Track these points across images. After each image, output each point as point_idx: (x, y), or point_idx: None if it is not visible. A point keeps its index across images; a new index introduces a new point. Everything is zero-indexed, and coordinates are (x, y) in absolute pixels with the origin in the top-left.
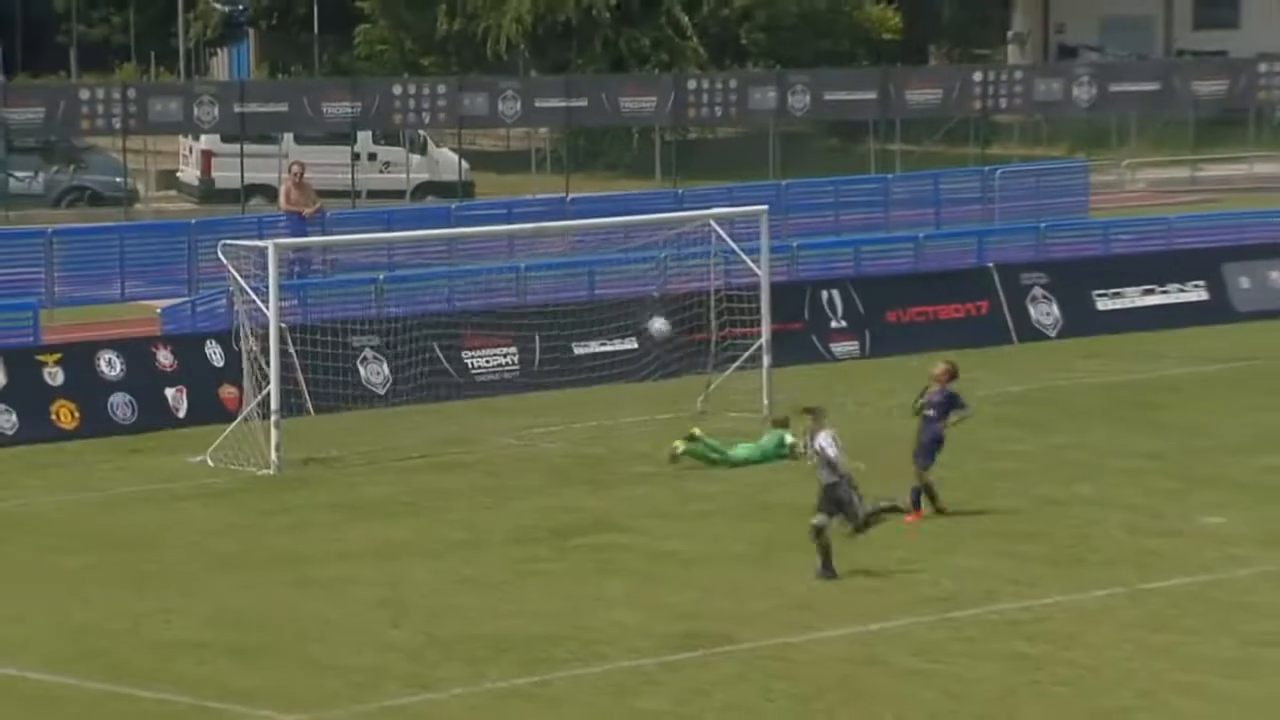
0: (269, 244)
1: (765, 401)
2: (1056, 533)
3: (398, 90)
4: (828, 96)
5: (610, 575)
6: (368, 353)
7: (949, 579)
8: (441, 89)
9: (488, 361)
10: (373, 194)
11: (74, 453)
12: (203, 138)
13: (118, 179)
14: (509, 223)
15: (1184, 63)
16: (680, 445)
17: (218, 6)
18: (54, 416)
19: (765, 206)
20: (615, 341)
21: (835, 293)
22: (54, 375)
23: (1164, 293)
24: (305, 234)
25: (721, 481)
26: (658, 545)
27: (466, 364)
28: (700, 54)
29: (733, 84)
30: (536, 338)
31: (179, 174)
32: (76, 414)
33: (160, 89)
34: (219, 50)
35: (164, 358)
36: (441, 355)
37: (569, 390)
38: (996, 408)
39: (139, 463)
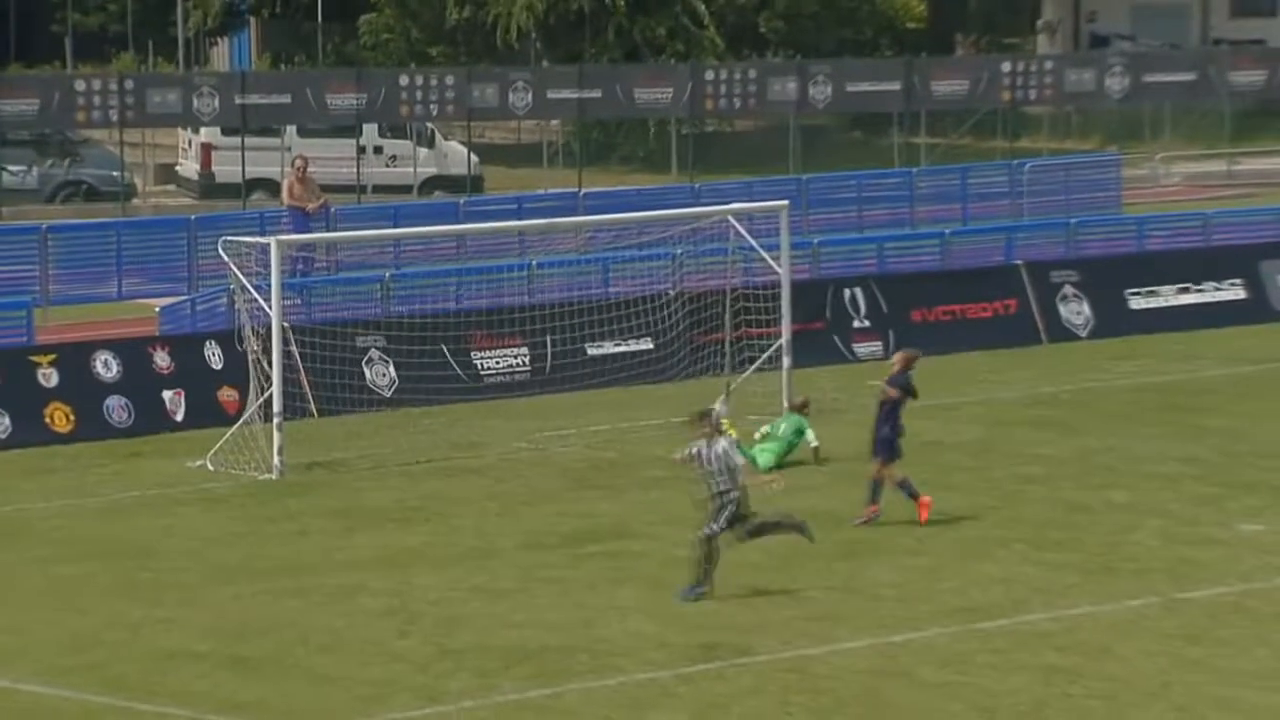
0: (271, 240)
1: (785, 406)
2: (1088, 540)
3: (404, 81)
4: (850, 88)
5: (625, 584)
6: (373, 353)
7: (976, 588)
8: (450, 80)
9: (498, 363)
10: (378, 189)
11: (69, 457)
12: (203, 130)
13: (114, 173)
14: (520, 218)
15: (1220, 52)
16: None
17: None
18: (48, 419)
19: (785, 202)
20: (630, 342)
21: (858, 291)
22: (48, 377)
23: (1200, 291)
24: (309, 230)
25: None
26: (674, 553)
27: (476, 365)
28: (718, 43)
29: (752, 74)
30: (548, 338)
31: (178, 168)
32: (71, 417)
33: (159, 80)
34: (219, 39)
35: (161, 359)
36: (450, 356)
37: (582, 392)
38: (1026, 410)
39: (137, 467)
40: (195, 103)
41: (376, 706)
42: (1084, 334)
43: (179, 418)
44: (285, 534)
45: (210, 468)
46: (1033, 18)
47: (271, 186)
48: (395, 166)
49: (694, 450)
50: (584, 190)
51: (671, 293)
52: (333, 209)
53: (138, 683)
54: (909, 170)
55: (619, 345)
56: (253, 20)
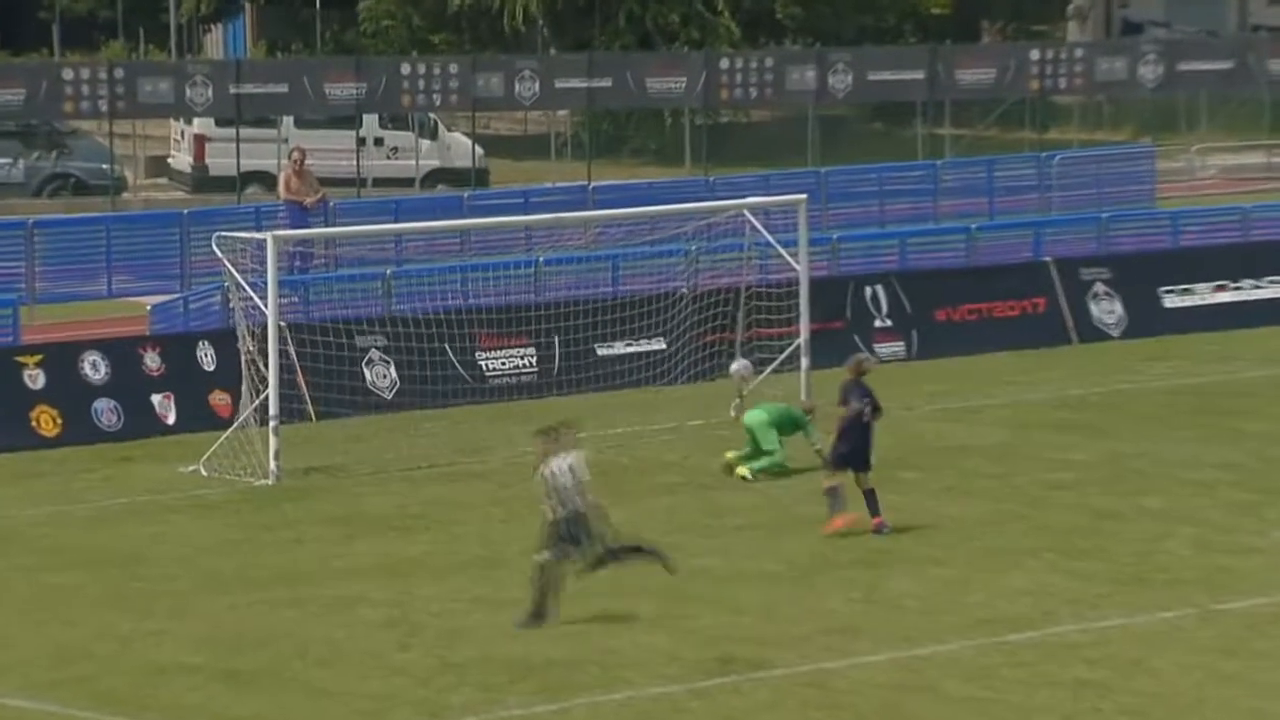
0: (267, 236)
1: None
2: (1119, 549)
3: (406, 70)
4: (871, 76)
5: (636, 595)
6: (374, 354)
7: (1002, 599)
8: (453, 68)
9: (503, 363)
10: (379, 182)
11: (56, 462)
12: (196, 121)
13: (104, 166)
14: (526, 213)
15: (1259, 39)
16: (746, 471)
17: None
18: (34, 423)
19: (804, 195)
20: (641, 342)
21: (879, 289)
22: (35, 378)
23: (1237, 289)
24: (306, 225)
25: (756, 494)
26: (687, 562)
27: (480, 366)
28: (733, 30)
29: (768, 63)
30: (556, 338)
31: (170, 160)
32: (59, 420)
33: (150, 68)
34: (213, 26)
35: (152, 360)
36: (453, 356)
37: (591, 394)
38: (1054, 413)
39: (127, 473)
40: (188, 92)
41: None
42: (1116, 334)
43: (170, 421)
44: (282, 542)
45: (203, 473)
46: (1062, 3)
47: (267, 180)
48: (396, 159)
49: (543, 468)
50: (593, 184)
51: (684, 291)
52: (331, 203)
53: (128, 697)
54: (933, 163)
55: (630, 345)
56: (248, 6)
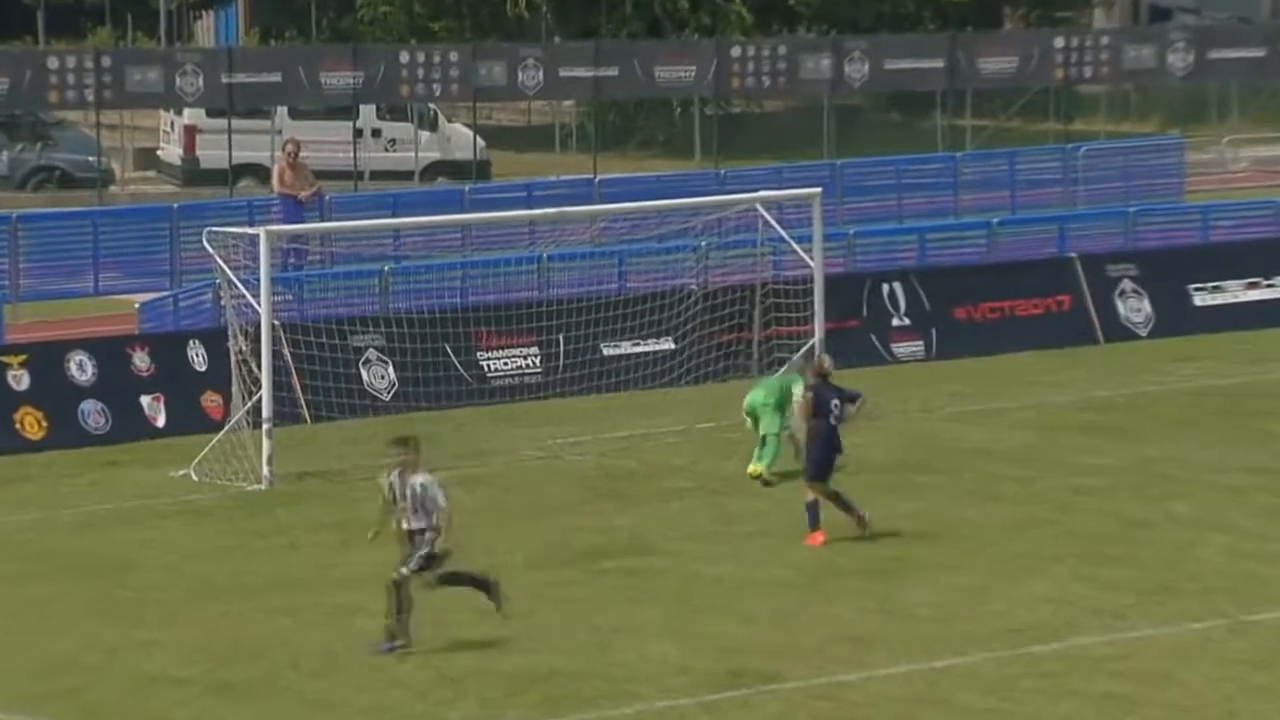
0: (261, 231)
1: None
2: (1146, 557)
3: (405, 58)
4: (889, 65)
5: (643, 604)
6: (371, 353)
7: (1024, 608)
8: (454, 57)
9: (506, 363)
10: (376, 175)
11: (41, 466)
12: (186, 112)
13: (90, 158)
14: (530, 207)
15: None
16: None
17: None
18: (19, 425)
19: (819, 189)
20: (649, 341)
21: (897, 286)
22: (19, 379)
23: (1270, 286)
24: (301, 220)
25: (767, 499)
26: (696, 570)
27: (482, 366)
28: (745, 17)
29: (782, 51)
30: (560, 337)
31: (159, 152)
32: (44, 423)
33: (138, 56)
34: (204, 13)
35: (141, 360)
36: (454, 356)
37: (597, 395)
38: (1079, 415)
39: (114, 477)
40: (178, 81)
41: None
42: (1143, 333)
43: (160, 424)
44: (275, 549)
45: (194, 478)
46: None
47: (261, 172)
48: (395, 151)
49: (389, 482)
50: (599, 177)
51: (694, 288)
52: (327, 197)
53: (116, 710)
54: (953, 155)
55: (637, 345)
56: None
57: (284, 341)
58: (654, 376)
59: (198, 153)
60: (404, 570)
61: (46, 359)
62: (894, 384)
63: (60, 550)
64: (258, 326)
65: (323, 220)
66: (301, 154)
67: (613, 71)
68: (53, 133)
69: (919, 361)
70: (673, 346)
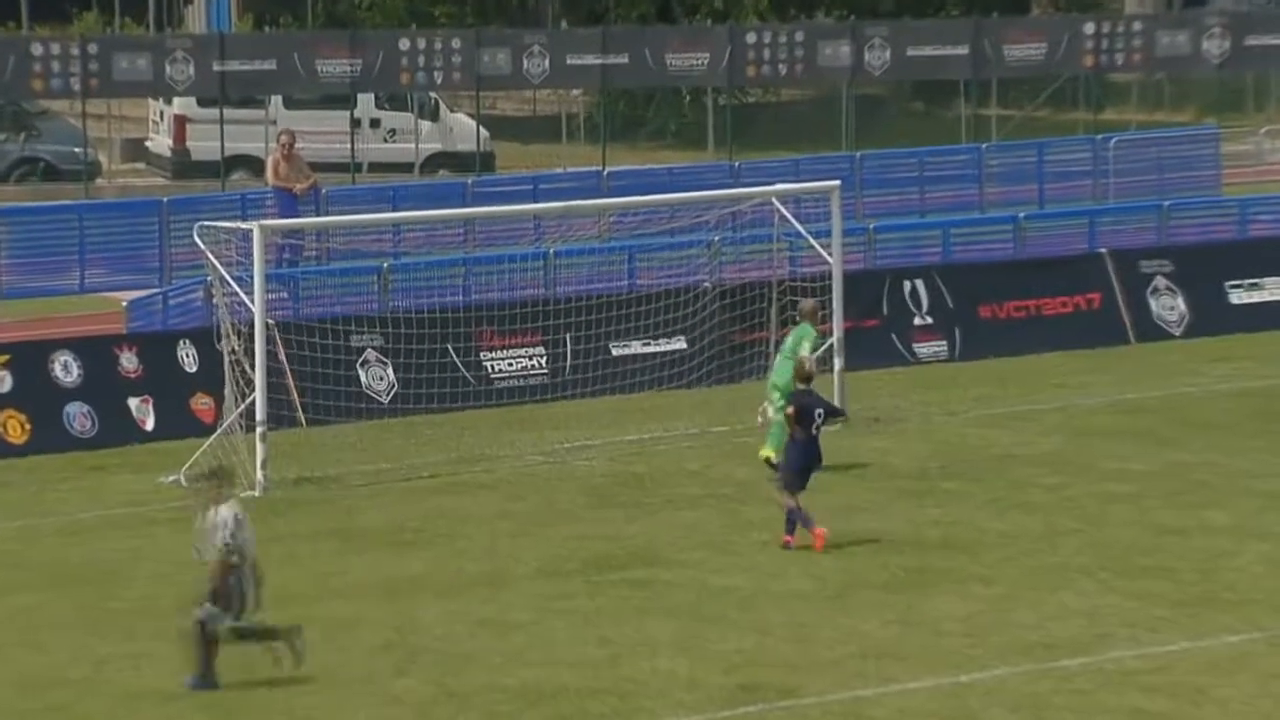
0: (254, 226)
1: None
2: (1181, 567)
3: (405, 45)
4: (911, 52)
5: (654, 616)
6: (370, 354)
7: (1053, 621)
8: (456, 44)
9: (510, 364)
10: (375, 167)
11: (25, 471)
12: (176, 101)
13: (76, 149)
14: (535, 200)
15: None
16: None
17: None
18: (1, 429)
19: (838, 182)
20: (660, 341)
21: (919, 283)
22: (1, 380)
23: None
24: (296, 214)
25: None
26: (710, 581)
27: (485, 367)
28: (761, 1)
29: (799, 37)
30: (567, 336)
31: (148, 144)
32: (27, 426)
33: (126, 43)
34: None
35: (128, 360)
36: (456, 357)
37: (606, 398)
38: (1110, 419)
39: (101, 483)
40: (168, 69)
41: None
42: (1178, 332)
43: (148, 427)
44: (270, 558)
45: (184, 484)
46: None
47: (254, 164)
48: (394, 142)
49: (212, 512)
50: (608, 169)
51: (707, 285)
52: (323, 190)
53: None
54: (978, 146)
55: (648, 345)
56: None
57: (278, 341)
58: (666, 378)
59: (188, 144)
60: (208, 609)
61: (30, 359)
62: (916, 386)
63: (45, 559)
64: (251, 325)
65: (319, 214)
66: (297, 145)
67: (622, 59)
68: (37, 123)
69: (942, 362)
70: (685, 346)
